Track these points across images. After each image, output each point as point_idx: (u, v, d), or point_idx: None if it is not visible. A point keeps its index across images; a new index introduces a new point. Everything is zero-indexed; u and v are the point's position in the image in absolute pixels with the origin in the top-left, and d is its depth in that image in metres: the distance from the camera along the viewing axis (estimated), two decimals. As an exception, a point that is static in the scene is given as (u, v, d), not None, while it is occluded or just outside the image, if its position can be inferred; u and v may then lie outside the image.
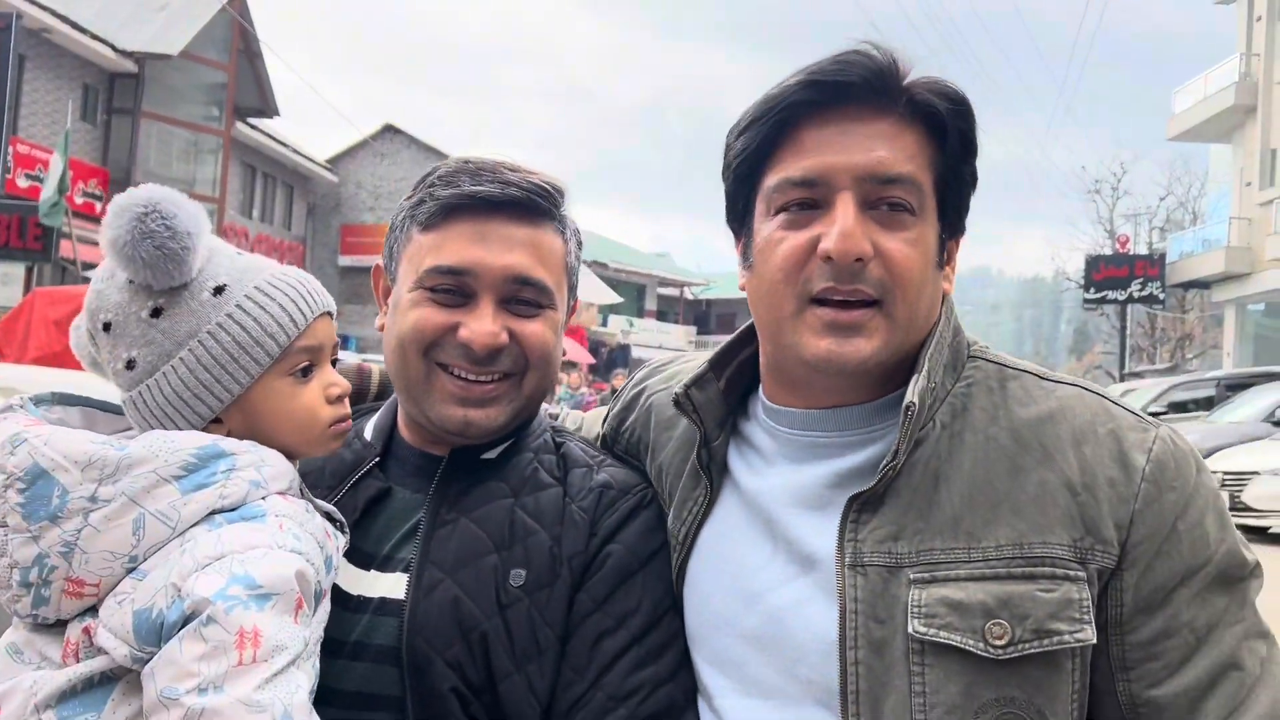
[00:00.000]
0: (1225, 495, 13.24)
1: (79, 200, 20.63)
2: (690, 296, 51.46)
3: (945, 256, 1.29)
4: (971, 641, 1.12)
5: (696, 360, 1.50)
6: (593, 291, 35.52)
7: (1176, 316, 41.28)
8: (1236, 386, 19.22)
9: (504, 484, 1.42)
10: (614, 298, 35.93)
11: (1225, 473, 13.46)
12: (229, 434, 1.27)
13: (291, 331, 1.28)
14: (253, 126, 28.18)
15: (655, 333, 42.11)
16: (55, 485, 1.15)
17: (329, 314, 1.35)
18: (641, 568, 1.38)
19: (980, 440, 1.21)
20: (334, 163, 35.75)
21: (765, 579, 1.28)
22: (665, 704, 1.31)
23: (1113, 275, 33.83)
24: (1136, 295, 33.71)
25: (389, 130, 36.32)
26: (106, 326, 1.26)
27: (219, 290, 1.26)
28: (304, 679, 1.12)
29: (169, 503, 1.16)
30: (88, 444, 1.18)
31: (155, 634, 1.10)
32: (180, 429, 1.25)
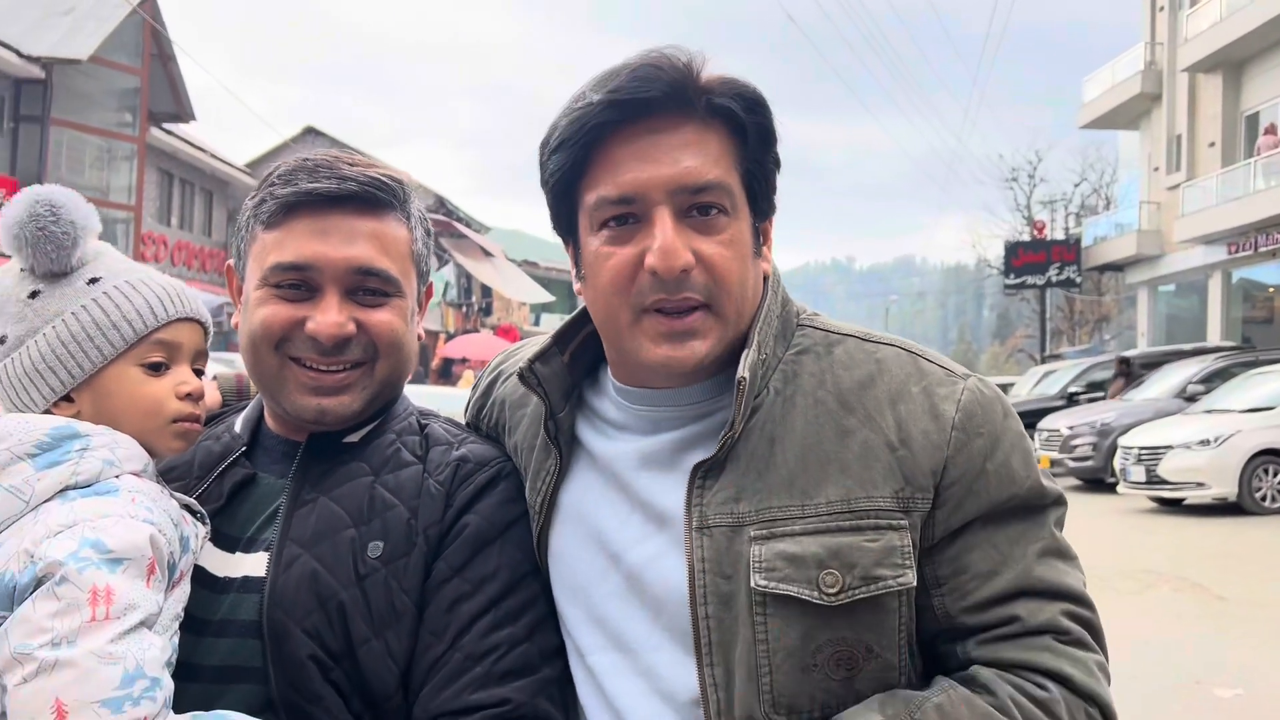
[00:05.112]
0: (1142, 469, 13.75)
1: (-14, 211, 19.91)
2: (622, 293, 51.20)
3: (761, 240, 1.39)
4: (807, 591, 1.23)
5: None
6: (524, 290, 35.38)
7: (1094, 299, 42.57)
8: (1151, 365, 19.88)
9: (365, 464, 1.49)
10: (546, 296, 35.81)
11: (1141, 448, 13.86)
12: (78, 415, 1.33)
13: (150, 322, 1.36)
14: (168, 132, 27.47)
15: (588, 330, 41.84)
16: None
17: (200, 324, 1.43)
18: (499, 536, 1.45)
19: (810, 403, 1.32)
20: (254, 167, 34.97)
21: (624, 538, 1.37)
22: (521, 662, 1.38)
23: (1031, 261, 34.73)
24: (1055, 280, 34.63)
25: (310, 133, 35.70)
26: None
27: (93, 281, 1.36)
28: (158, 641, 1.17)
29: (23, 478, 1.22)
30: None
31: (8, 598, 1.15)
32: (32, 400, 1.33)
